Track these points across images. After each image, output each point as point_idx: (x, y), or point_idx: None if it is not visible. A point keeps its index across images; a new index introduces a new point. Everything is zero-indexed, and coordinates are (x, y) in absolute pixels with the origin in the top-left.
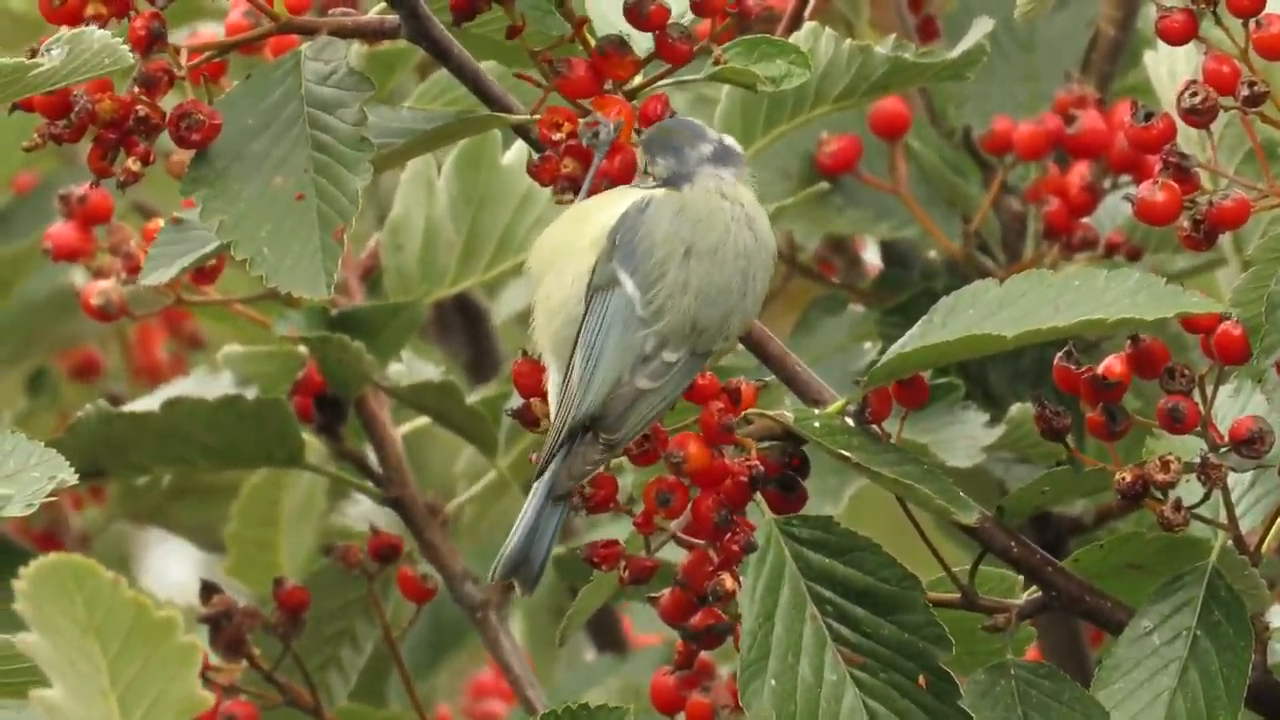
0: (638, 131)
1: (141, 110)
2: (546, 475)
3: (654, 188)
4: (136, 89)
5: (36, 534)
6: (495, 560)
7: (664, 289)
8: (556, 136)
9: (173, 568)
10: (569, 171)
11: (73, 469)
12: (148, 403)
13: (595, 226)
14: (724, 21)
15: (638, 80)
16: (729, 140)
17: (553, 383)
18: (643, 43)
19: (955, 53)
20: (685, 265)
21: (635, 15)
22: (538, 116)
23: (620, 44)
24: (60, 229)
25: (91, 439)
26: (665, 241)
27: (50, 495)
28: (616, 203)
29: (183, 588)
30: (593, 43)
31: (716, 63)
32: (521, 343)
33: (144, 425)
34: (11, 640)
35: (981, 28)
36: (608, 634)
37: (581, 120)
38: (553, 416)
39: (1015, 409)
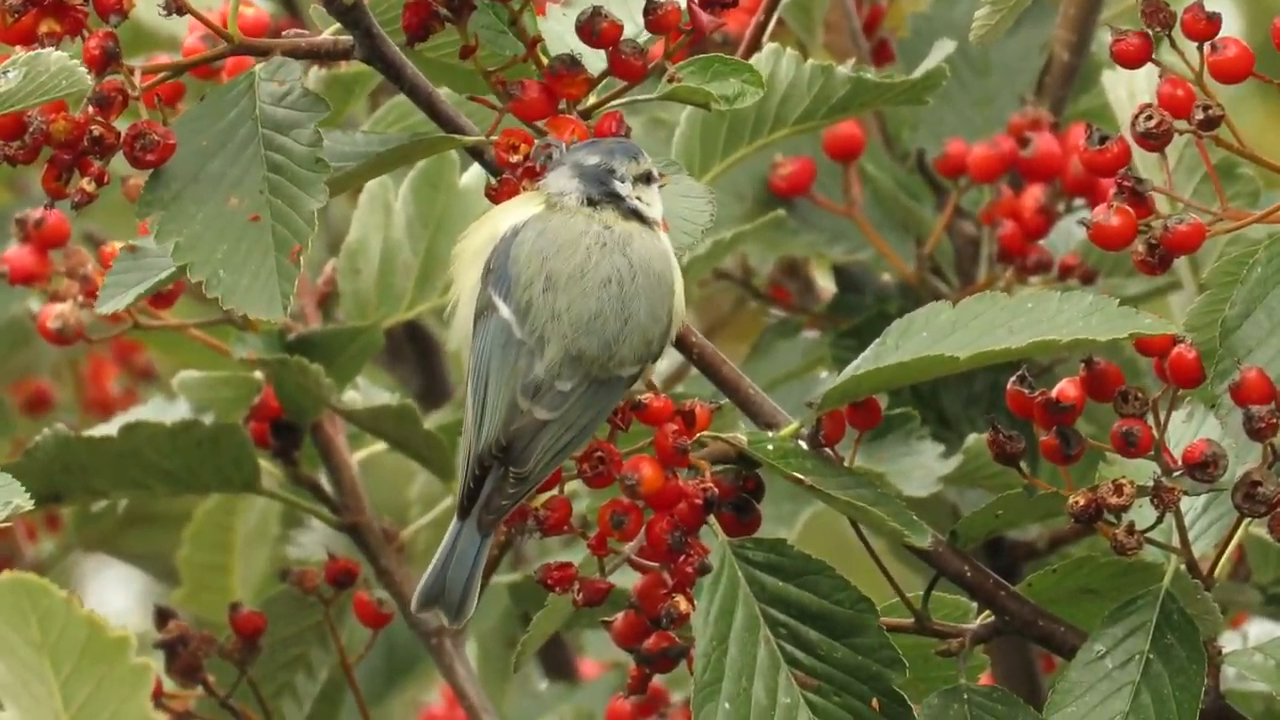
0: None
1: (96, 130)
2: (461, 508)
3: (548, 198)
4: (91, 109)
5: None
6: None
7: (536, 315)
8: (514, 159)
9: (116, 596)
10: None
11: (29, 494)
12: (106, 428)
13: (482, 240)
14: (678, 39)
15: (592, 100)
16: (657, 169)
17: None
18: (596, 62)
19: (916, 74)
20: (550, 292)
21: (587, 32)
22: (493, 139)
23: (572, 63)
24: (16, 252)
25: (49, 464)
26: (528, 265)
27: (6, 521)
28: (508, 215)
29: (126, 616)
30: (546, 62)
31: (671, 81)
32: None
33: (102, 449)
34: None
35: (942, 50)
36: (558, 663)
37: (536, 142)
38: (460, 446)
39: (971, 439)
